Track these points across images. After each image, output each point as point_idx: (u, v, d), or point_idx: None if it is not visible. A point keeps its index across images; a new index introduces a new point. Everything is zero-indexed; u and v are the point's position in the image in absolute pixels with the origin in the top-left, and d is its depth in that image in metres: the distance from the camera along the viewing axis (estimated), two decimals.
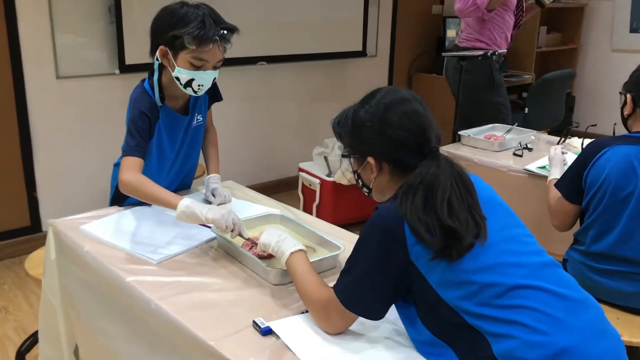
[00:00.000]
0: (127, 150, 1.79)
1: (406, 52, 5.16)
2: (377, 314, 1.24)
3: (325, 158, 3.80)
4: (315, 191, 3.79)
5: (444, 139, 4.36)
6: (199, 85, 1.81)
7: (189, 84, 1.80)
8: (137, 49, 3.48)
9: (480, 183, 1.32)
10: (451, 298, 1.16)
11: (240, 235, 1.67)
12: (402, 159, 1.28)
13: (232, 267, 1.65)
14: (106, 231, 1.82)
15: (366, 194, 1.42)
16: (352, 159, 1.37)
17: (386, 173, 1.31)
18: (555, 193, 2.11)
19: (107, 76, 3.49)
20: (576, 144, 2.84)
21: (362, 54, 4.73)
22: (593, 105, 5.89)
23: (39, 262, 2.06)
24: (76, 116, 3.47)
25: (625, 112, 2.04)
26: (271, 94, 4.34)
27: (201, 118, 2.04)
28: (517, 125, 3.12)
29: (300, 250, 1.44)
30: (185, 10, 1.74)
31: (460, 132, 2.95)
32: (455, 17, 5.18)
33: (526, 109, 4.54)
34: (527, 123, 4.33)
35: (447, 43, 5.10)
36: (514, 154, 2.76)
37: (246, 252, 1.62)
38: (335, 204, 3.75)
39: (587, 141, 2.76)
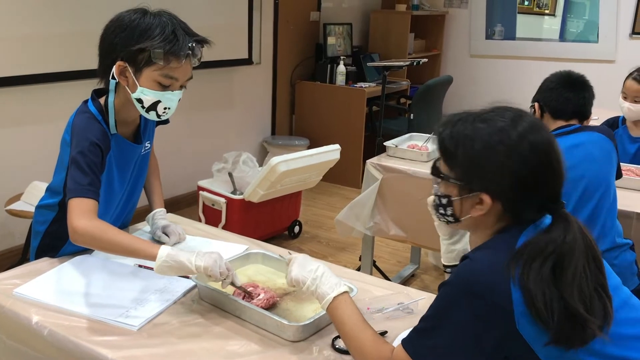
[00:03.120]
0: (77, 191, 1.44)
1: (288, 59, 5.03)
2: None
3: (230, 175, 3.54)
4: (220, 211, 3.51)
5: (349, 148, 4.25)
6: (165, 109, 1.52)
7: (153, 107, 1.50)
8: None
9: None
10: None
11: (232, 283, 1.42)
12: (525, 207, 1.07)
13: (228, 322, 1.39)
14: (50, 293, 1.46)
15: (444, 221, 1.18)
16: (447, 182, 1.13)
17: (493, 214, 1.10)
18: None
19: None
20: None
21: (248, 61, 4.51)
22: (454, 107, 6.14)
23: None
24: None
25: None
26: None
27: (149, 145, 1.73)
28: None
29: (344, 292, 1.22)
30: (149, 19, 1.44)
31: (386, 143, 2.89)
32: (335, 23, 5.17)
33: (412, 115, 4.65)
34: (412, 128, 4.43)
35: (327, 50, 5.06)
36: None
37: (250, 304, 1.38)
38: (244, 223, 3.51)
39: None
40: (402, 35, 5.55)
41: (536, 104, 2.16)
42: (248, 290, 1.44)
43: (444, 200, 1.14)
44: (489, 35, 6.18)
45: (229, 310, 1.42)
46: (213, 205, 3.55)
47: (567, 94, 2.07)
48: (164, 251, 1.38)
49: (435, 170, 1.14)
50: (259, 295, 1.43)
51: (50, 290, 1.47)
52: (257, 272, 1.61)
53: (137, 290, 1.49)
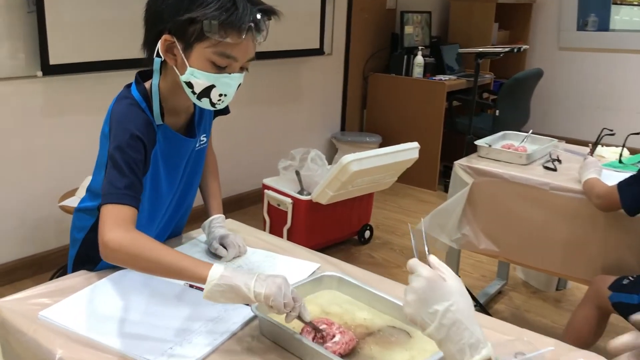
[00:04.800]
0: (113, 195, 1.16)
1: (361, 49, 4.69)
2: None
3: (297, 173, 3.25)
4: (285, 212, 3.22)
5: (426, 146, 3.86)
6: (220, 96, 1.22)
7: (205, 93, 1.21)
8: (65, 46, 2.77)
9: None
10: None
11: (300, 318, 1.11)
12: None
13: None
14: (79, 318, 1.19)
15: None
16: None
17: None
18: (607, 189, 1.95)
19: (26, 79, 2.74)
20: (605, 153, 2.50)
21: (319, 52, 4.21)
22: (541, 104, 5.69)
23: None
24: None
25: None
26: None
27: (205, 139, 1.45)
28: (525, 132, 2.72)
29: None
30: None
31: (477, 142, 2.51)
32: (413, 12, 4.80)
33: (497, 111, 4.22)
34: (498, 125, 4.02)
35: (404, 40, 4.69)
36: (545, 167, 2.35)
37: (323, 350, 1.06)
38: (310, 226, 3.22)
39: (626, 151, 2.42)
40: (485, 25, 5.10)
41: None
42: (320, 328, 1.13)
43: None
44: (581, 27, 5.64)
45: (296, 353, 1.11)
46: (278, 205, 3.27)
47: None
48: (216, 272, 1.08)
49: None
50: (333, 337, 1.11)
51: (81, 314, 1.21)
52: (331, 300, 1.29)
53: (185, 319, 1.21)
